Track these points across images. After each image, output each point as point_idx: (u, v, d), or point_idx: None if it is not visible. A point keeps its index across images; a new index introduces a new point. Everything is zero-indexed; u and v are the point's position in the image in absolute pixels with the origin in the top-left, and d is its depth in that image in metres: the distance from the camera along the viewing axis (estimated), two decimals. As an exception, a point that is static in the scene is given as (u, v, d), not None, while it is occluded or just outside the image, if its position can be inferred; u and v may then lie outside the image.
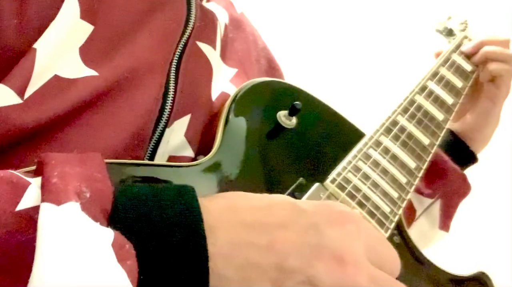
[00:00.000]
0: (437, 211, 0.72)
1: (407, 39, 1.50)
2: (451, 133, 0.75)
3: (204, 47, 0.55)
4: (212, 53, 0.56)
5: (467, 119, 0.75)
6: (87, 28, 0.45)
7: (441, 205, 0.72)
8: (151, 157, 0.49)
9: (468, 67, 0.74)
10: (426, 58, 0.75)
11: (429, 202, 0.72)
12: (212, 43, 0.56)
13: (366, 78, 1.51)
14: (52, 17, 0.42)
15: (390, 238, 0.51)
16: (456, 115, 0.73)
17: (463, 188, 0.74)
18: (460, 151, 0.75)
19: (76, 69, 0.44)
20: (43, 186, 0.30)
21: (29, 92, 0.41)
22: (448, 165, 0.73)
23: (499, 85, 0.73)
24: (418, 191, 0.72)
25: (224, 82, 0.59)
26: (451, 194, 0.73)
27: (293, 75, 0.66)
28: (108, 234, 0.29)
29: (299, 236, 0.34)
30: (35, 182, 0.31)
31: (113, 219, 0.31)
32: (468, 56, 0.75)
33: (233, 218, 0.34)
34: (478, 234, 1.34)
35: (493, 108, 0.73)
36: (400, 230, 0.54)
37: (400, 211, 0.52)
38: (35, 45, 0.41)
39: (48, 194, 0.29)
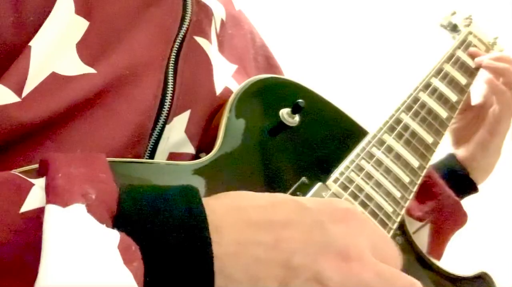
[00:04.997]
0: (426, 235, 0.69)
1: (411, 35, 1.49)
2: (454, 158, 0.74)
3: (201, 41, 0.54)
4: (209, 47, 0.55)
5: (468, 146, 0.73)
6: (83, 24, 0.44)
7: (430, 230, 0.69)
8: (152, 154, 0.49)
9: (472, 63, 0.73)
10: (430, 54, 0.74)
11: (418, 225, 0.68)
12: (208, 38, 0.56)
13: (369, 75, 1.50)
14: (47, 14, 0.42)
15: (393, 239, 0.50)
16: (462, 140, 0.73)
17: (457, 215, 0.71)
18: (459, 178, 0.72)
19: (73, 66, 0.43)
20: (47, 187, 0.30)
21: (26, 90, 0.40)
22: (441, 189, 0.70)
23: (499, 119, 0.70)
24: (408, 212, 0.68)
25: (227, 77, 0.58)
26: (442, 220, 0.69)
27: (294, 73, 0.65)
28: (114, 235, 0.29)
29: (304, 234, 0.34)
30: (38, 183, 0.31)
31: (119, 220, 0.31)
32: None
33: (238, 217, 0.34)
34: (479, 234, 1.34)
35: (491, 141, 0.71)
36: (402, 230, 0.54)
37: (403, 211, 0.52)
38: (30, 43, 0.41)
39: (54, 195, 0.29)
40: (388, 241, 0.39)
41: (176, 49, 0.51)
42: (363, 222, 0.37)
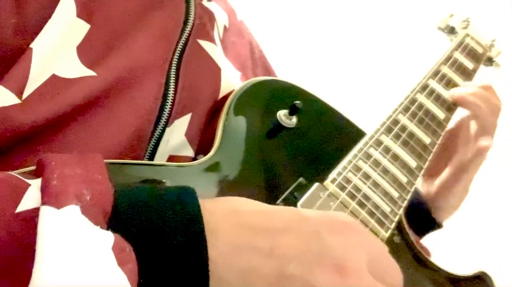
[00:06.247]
0: None
1: (408, 37, 1.49)
2: (417, 193, 0.67)
3: (205, 44, 0.55)
4: (214, 50, 0.56)
5: (431, 184, 0.68)
6: (84, 27, 0.45)
7: None
8: (151, 157, 0.49)
9: (469, 65, 0.73)
10: (428, 56, 0.74)
11: None
12: (213, 41, 0.56)
13: (367, 77, 1.50)
14: (49, 17, 0.42)
15: (391, 238, 0.51)
16: (430, 170, 0.67)
17: None
18: (420, 214, 0.66)
19: (74, 68, 0.43)
20: (43, 188, 0.30)
21: (27, 92, 0.41)
22: None
23: (464, 167, 0.64)
24: None
25: (236, 79, 0.59)
26: None
27: (292, 75, 0.65)
28: (109, 237, 0.29)
29: (302, 242, 0.34)
30: (35, 184, 0.31)
31: (114, 222, 0.30)
32: (471, 55, 0.75)
33: (236, 221, 0.34)
34: (478, 234, 1.34)
35: (455, 184, 0.65)
36: (400, 230, 0.54)
37: (401, 211, 0.52)
38: (31, 45, 0.41)
39: (49, 196, 0.29)
40: (388, 257, 0.38)
41: (179, 52, 0.51)
42: (363, 236, 0.37)
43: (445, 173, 0.66)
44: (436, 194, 0.67)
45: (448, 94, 0.66)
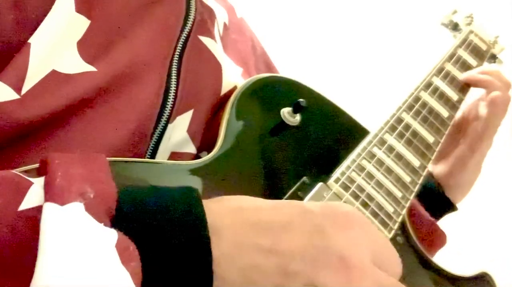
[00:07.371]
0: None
1: (412, 33, 1.49)
2: (429, 175, 0.68)
3: (206, 41, 0.54)
4: (215, 47, 0.55)
5: (445, 163, 0.69)
6: (84, 22, 0.44)
7: None
8: (153, 154, 0.48)
9: (473, 62, 0.73)
10: (431, 53, 0.74)
11: None
12: (213, 37, 0.56)
13: (370, 75, 1.50)
14: (48, 11, 0.42)
15: (394, 238, 0.50)
16: (440, 155, 0.68)
17: (433, 236, 0.66)
18: (434, 197, 0.67)
19: (74, 64, 0.43)
20: (46, 186, 0.30)
21: (26, 87, 0.40)
22: (415, 209, 0.65)
23: (481, 136, 0.66)
24: None
25: (237, 76, 0.58)
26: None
27: (295, 73, 0.65)
28: (112, 235, 0.29)
29: (304, 238, 0.34)
30: (38, 182, 0.31)
31: (117, 220, 0.30)
32: (475, 52, 0.74)
33: (238, 219, 0.34)
34: (479, 234, 1.34)
35: (471, 157, 0.67)
36: (403, 230, 0.54)
37: (404, 211, 0.51)
38: (29, 40, 0.41)
39: (52, 194, 0.29)
40: (389, 247, 0.38)
41: (180, 48, 0.51)
42: (366, 228, 0.36)
43: (459, 148, 0.67)
44: (450, 171, 0.68)
45: (452, 92, 0.66)
